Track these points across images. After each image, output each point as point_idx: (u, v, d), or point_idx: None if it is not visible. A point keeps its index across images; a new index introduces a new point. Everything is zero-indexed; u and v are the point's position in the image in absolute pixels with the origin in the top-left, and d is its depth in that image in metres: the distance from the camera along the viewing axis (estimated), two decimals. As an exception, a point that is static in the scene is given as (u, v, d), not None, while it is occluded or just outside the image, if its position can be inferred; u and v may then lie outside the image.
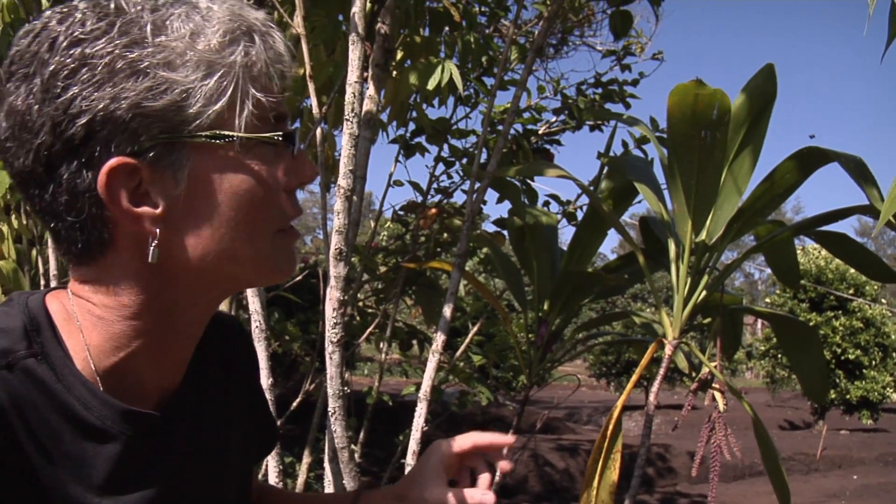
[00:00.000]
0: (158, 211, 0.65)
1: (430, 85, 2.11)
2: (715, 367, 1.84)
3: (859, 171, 1.81)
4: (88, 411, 0.66)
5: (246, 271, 0.70)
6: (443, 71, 2.13)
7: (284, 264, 0.72)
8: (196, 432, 0.75)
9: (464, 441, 0.87)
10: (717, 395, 1.82)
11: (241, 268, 0.70)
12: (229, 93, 0.65)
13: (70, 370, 0.66)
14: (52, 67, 0.62)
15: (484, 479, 0.87)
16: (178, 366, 0.74)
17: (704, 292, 1.91)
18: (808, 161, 1.86)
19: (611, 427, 1.77)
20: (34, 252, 2.65)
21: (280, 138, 0.68)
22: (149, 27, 0.63)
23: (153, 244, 0.65)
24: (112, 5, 0.64)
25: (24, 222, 2.59)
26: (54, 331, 0.68)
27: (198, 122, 0.64)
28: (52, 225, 0.66)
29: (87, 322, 0.68)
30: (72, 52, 0.61)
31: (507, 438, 0.87)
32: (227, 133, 0.65)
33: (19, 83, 0.63)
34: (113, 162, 0.62)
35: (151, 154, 0.63)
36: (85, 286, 0.68)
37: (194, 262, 0.67)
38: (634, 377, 1.94)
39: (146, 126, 0.63)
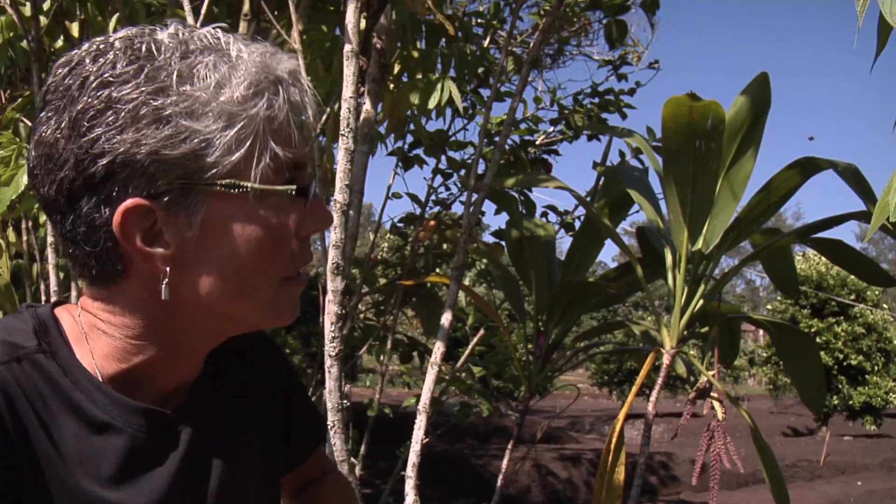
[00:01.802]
0: (170, 251, 0.67)
1: (431, 104, 2.13)
2: (713, 375, 1.85)
3: (854, 179, 1.82)
4: (94, 405, 0.69)
5: (248, 314, 0.72)
6: (442, 90, 2.15)
7: (285, 311, 0.74)
8: (207, 438, 0.77)
9: None
10: (716, 403, 1.82)
11: (245, 311, 0.72)
12: (248, 144, 0.66)
13: (77, 367, 0.70)
14: (80, 106, 0.64)
15: None
16: (183, 380, 0.76)
17: (702, 301, 1.92)
18: (803, 170, 1.87)
19: (614, 439, 1.78)
20: (34, 268, 2.66)
21: (294, 192, 0.69)
22: (175, 75, 0.65)
23: (164, 282, 0.67)
24: (143, 48, 0.66)
25: (24, 239, 2.60)
26: (62, 334, 0.71)
27: (215, 170, 0.66)
28: (71, 250, 0.69)
29: (93, 334, 0.71)
30: (100, 93, 0.64)
31: None
32: (242, 183, 0.66)
33: (51, 115, 0.66)
34: (129, 203, 0.65)
35: (167, 198, 0.66)
36: (95, 303, 0.71)
37: (200, 301, 0.69)
38: (635, 388, 1.94)
39: (164, 171, 0.65)
